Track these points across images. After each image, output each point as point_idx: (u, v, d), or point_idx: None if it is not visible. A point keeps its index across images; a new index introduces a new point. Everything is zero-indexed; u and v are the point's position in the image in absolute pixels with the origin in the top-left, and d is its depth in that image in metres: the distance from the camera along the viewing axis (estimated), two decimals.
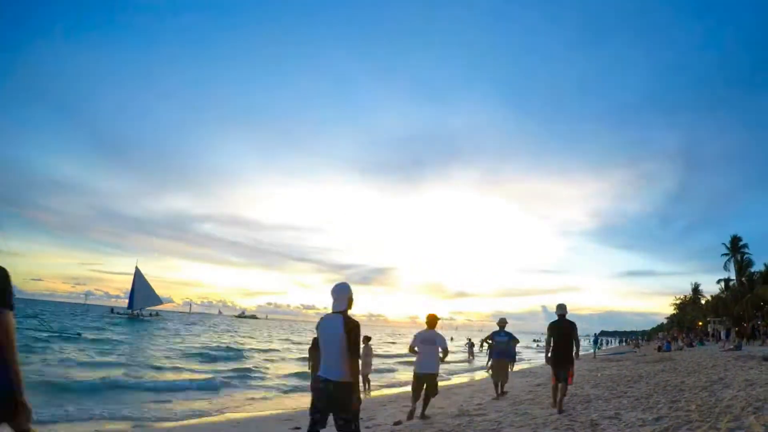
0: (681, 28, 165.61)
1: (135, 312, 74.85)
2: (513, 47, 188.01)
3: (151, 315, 79.17)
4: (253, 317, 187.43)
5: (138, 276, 76.24)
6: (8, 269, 2.43)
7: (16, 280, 2.45)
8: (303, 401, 13.73)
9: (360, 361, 14.62)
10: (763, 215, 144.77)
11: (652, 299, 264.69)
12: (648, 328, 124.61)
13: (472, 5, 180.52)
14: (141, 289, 75.70)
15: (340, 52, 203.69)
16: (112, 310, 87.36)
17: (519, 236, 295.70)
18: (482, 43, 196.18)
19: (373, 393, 15.12)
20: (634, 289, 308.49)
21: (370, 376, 15.34)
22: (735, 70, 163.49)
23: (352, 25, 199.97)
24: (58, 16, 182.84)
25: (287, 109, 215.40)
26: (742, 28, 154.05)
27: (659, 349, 36.25)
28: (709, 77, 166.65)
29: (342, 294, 4.47)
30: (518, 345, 11.96)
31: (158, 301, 79.70)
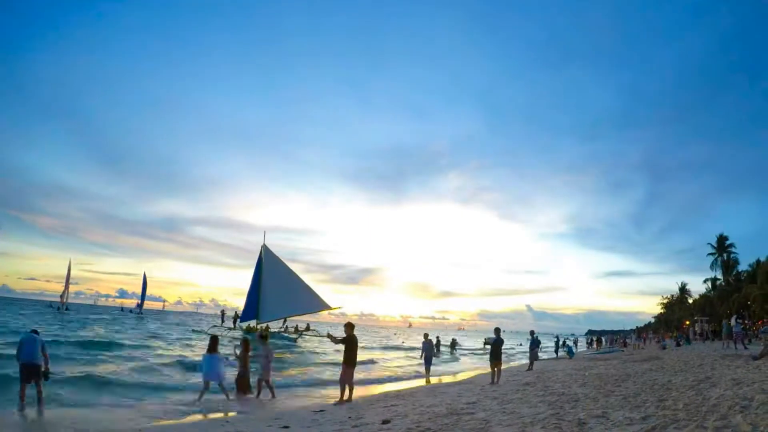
0: (640, 50, 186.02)
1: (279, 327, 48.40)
2: (490, 68, 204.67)
3: (298, 331, 51.13)
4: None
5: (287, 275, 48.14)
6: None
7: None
8: (293, 401, 13.66)
9: (258, 365, 12.96)
10: (731, 217, 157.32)
11: (634, 299, 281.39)
12: (633, 327, 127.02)
13: (452, 30, 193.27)
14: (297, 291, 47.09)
15: (329, 71, 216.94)
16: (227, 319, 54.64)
17: (500, 240, 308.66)
18: (462, 64, 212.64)
19: (360, 392, 14.99)
20: (615, 288, 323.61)
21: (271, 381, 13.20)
22: (691, 88, 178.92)
23: (339, 45, 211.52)
24: (57, 25, 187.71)
25: (278, 122, 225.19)
26: (695, 50, 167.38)
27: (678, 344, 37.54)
28: (667, 96, 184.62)
29: None
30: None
31: (321, 305, 47.74)
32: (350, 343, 11.73)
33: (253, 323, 46.16)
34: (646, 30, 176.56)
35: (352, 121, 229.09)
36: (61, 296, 77.69)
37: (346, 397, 11.77)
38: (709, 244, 67.76)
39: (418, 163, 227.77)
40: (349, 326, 11.96)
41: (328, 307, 47.66)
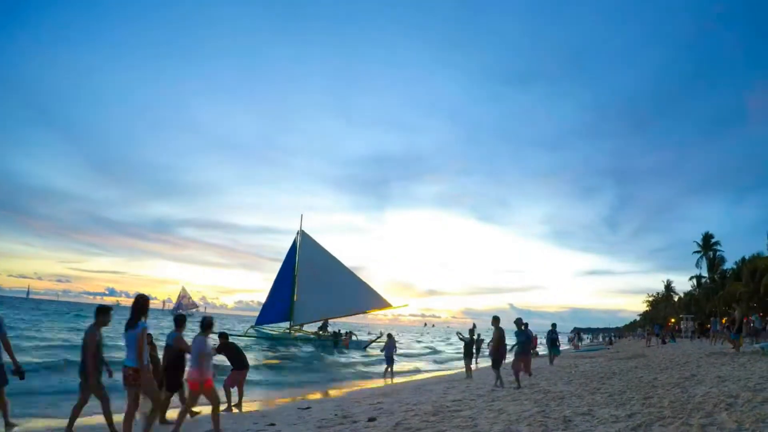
0: (603, 69, 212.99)
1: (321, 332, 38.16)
2: (463, 86, 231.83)
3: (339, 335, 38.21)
4: None
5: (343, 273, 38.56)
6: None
7: None
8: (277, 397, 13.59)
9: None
10: (701, 217, 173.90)
11: (616, 297, 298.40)
12: (615, 325, 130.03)
13: (429, 51, 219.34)
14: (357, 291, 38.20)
15: (315, 89, 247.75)
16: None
17: (481, 241, 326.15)
18: (438, 82, 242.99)
19: (346, 389, 14.93)
20: (596, 287, 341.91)
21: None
22: (647, 102, 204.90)
23: (325, 66, 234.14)
24: (55, 34, 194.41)
25: (266, 133, 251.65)
26: (649, 68, 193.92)
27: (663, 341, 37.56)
28: (625, 110, 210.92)
29: None
30: None
31: (379, 303, 38.77)
32: (227, 350, 11.40)
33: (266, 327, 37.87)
34: (602, 52, 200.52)
35: (337, 133, 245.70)
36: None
37: (234, 402, 11.30)
38: (695, 242, 68.14)
39: (400, 170, 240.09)
40: (223, 336, 11.76)
41: (389, 306, 38.25)
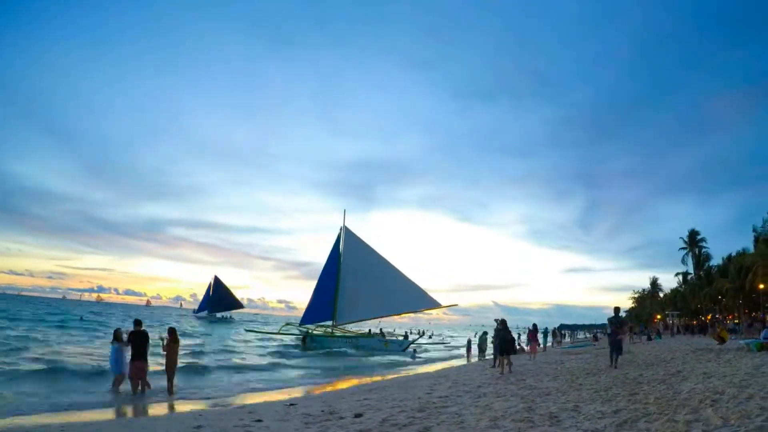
0: (563, 85, 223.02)
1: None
2: (438, 100, 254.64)
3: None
4: None
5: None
6: None
7: None
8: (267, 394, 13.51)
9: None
10: (672, 217, 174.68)
11: (597, 293, 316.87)
12: (601, 321, 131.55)
13: (405, 68, 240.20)
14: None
15: (302, 101, 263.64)
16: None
17: (462, 240, 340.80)
18: (415, 96, 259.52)
19: (331, 386, 14.84)
20: (577, 285, 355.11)
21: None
22: (606, 114, 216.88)
23: (311, 79, 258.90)
24: (54, 43, 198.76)
25: (256, 141, 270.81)
26: (605, 84, 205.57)
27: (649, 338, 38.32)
28: (586, 121, 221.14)
29: None
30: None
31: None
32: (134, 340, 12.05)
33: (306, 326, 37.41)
34: (561, 69, 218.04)
35: (323, 141, 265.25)
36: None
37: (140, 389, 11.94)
38: (681, 238, 68.37)
39: (384, 175, 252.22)
40: (137, 323, 12.39)
41: (438, 305, 38.15)
